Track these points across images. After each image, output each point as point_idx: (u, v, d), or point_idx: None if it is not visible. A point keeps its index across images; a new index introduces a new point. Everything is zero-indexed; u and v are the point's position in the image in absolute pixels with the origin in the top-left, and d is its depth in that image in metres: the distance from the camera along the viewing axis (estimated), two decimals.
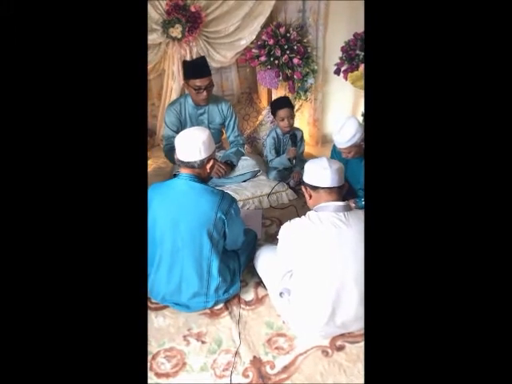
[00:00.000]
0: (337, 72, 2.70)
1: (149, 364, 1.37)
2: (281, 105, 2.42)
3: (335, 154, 2.13)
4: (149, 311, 1.60)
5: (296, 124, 3.10)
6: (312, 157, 2.81)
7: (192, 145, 1.46)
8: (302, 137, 2.66)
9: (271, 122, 2.86)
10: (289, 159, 2.47)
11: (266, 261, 1.66)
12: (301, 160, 2.60)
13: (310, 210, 1.47)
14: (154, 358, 1.40)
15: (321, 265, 1.34)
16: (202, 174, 1.53)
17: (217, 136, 2.53)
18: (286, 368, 1.36)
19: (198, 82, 2.17)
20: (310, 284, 1.37)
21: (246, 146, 2.71)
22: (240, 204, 2.21)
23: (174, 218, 1.48)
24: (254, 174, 2.45)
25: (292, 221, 1.44)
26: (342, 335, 1.45)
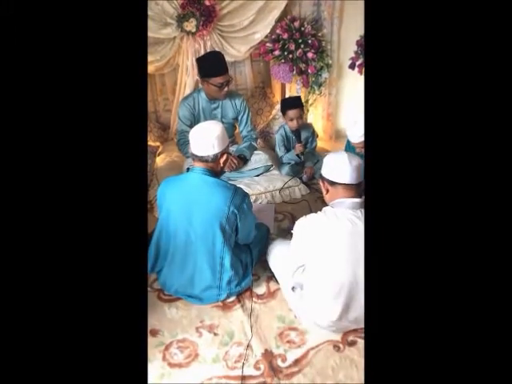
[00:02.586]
0: (351, 66, 2.68)
1: (161, 354, 1.40)
2: (291, 105, 2.41)
3: (349, 148, 2.12)
4: (162, 303, 1.62)
5: (310, 118, 3.09)
6: (326, 151, 2.80)
7: (206, 139, 1.47)
8: (314, 132, 2.65)
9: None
10: (297, 155, 2.47)
11: (278, 255, 1.67)
12: (313, 155, 2.59)
13: (323, 205, 1.47)
14: (167, 348, 1.42)
15: (335, 260, 1.33)
16: (215, 168, 1.53)
17: (230, 130, 2.54)
18: (297, 361, 1.37)
19: (220, 80, 2.18)
20: (323, 279, 1.37)
21: (258, 141, 2.71)
22: (252, 198, 2.22)
23: (188, 211, 1.50)
24: (267, 169, 2.45)
25: (308, 216, 1.42)
26: (355, 330, 1.45)
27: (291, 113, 2.39)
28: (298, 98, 2.53)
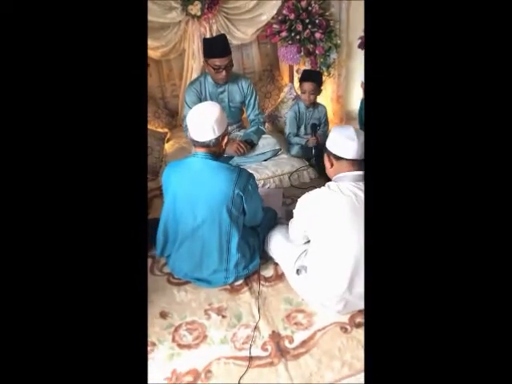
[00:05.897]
0: (361, 46, 2.61)
1: (171, 336, 1.43)
2: (307, 77, 2.41)
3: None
4: (171, 286, 1.65)
5: (319, 100, 3.04)
6: None
7: (205, 125, 1.44)
8: (326, 114, 2.61)
9: (293, 99, 2.82)
10: (310, 148, 2.40)
11: (279, 241, 1.66)
12: (326, 137, 2.55)
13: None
14: (176, 330, 1.46)
15: (340, 233, 1.34)
16: (217, 152, 1.53)
17: (237, 115, 2.52)
18: (304, 343, 1.38)
19: (217, 62, 2.15)
20: (328, 252, 1.38)
21: (267, 125, 2.68)
22: (260, 183, 2.21)
23: (193, 195, 1.50)
24: (275, 153, 2.43)
25: (311, 192, 1.44)
26: (361, 312, 1.45)
27: (306, 85, 2.39)
28: (317, 72, 2.49)
